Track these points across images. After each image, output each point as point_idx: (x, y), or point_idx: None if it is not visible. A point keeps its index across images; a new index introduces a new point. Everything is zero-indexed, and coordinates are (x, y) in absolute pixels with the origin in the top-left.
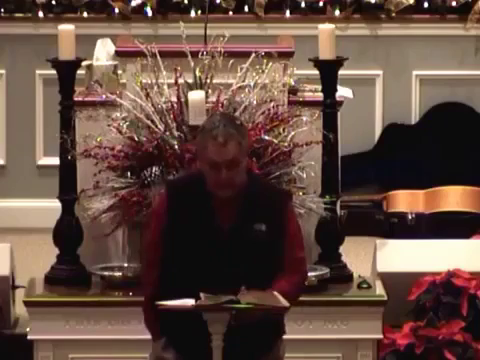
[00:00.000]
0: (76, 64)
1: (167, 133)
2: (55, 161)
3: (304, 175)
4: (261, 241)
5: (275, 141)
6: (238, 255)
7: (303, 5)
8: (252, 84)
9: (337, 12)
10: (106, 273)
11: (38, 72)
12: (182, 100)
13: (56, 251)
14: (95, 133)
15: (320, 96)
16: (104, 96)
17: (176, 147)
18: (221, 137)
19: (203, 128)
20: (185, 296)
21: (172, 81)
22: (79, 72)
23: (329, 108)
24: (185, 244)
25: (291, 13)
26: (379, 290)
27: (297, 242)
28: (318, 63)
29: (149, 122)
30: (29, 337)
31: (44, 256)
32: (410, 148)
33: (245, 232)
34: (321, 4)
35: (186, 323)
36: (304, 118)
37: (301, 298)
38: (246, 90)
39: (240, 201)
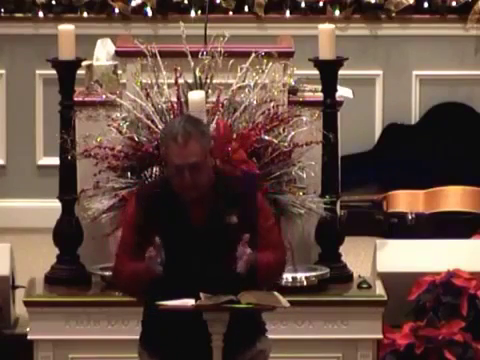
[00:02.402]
0: (76, 64)
1: None
2: (55, 161)
3: (304, 175)
4: (234, 233)
5: (275, 141)
6: (214, 252)
7: (303, 5)
8: (252, 84)
9: (337, 12)
10: (106, 273)
11: (38, 72)
12: (182, 100)
13: (56, 251)
14: (95, 133)
15: (320, 96)
16: (104, 96)
17: None
18: (181, 138)
19: (164, 130)
20: (168, 297)
21: (172, 81)
22: (79, 72)
23: (329, 108)
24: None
25: (291, 13)
26: (379, 290)
27: (271, 225)
28: (318, 63)
29: (149, 122)
30: (29, 337)
31: (44, 256)
32: (410, 148)
33: (216, 225)
34: (321, 4)
35: (175, 330)
36: (304, 118)
37: (301, 298)
38: (246, 90)
39: (209, 198)
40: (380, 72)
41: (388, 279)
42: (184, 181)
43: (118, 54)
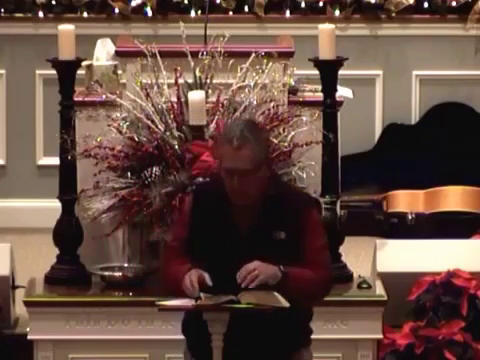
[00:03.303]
0: (76, 64)
1: (167, 133)
2: (55, 161)
3: (304, 175)
4: (280, 248)
5: (275, 141)
6: (256, 257)
7: (303, 5)
8: (252, 84)
9: (337, 12)
10: (106, 273)
11: (38, 72)
12: (182, 100)
13: (56, 251)
14: (95, 133)
15: (320, 96)
16: (104, 96)
17: (176, 147)
18: (236, 142)
19: (224, 130)
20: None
21: (172, 81)
22: (79, 72)
23: (329, 108)
24: (205, 245)
25: (291, 13)
26: (379, 290)
27: (320, 245)
28: (318, 63)
29: (149, 122)
30: (29, 337)
31: (44, 256)
32: (410, 148)
33: (263, 236)
34: (321, 4)
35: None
36: (304, 118)
37: None
38: (246, 90)
39: (259, 205)
40: (380, 72)
41: (388, 279)
42: (232, 185)
43: (118, 54)
